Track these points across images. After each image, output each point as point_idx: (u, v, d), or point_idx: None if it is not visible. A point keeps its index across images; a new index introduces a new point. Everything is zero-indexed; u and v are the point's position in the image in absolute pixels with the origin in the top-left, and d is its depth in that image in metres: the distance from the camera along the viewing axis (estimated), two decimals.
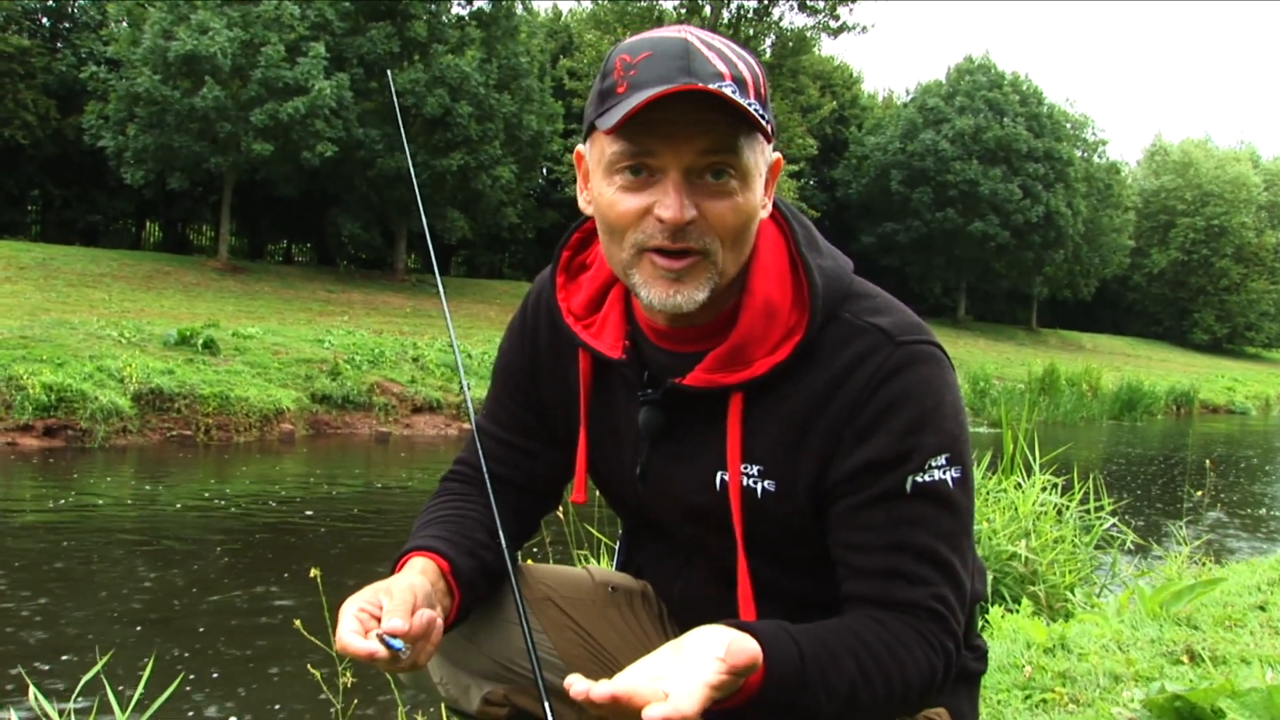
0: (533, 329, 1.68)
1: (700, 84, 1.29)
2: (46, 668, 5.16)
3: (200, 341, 15.57)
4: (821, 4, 35.52)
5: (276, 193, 30.66)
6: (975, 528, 4.56)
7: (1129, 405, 28.18)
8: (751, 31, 36.00)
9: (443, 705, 1.80)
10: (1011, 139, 45.65)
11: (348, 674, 3.10)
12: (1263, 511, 12.10)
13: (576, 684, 1.15)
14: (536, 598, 1.70)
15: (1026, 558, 4.61)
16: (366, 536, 8.86)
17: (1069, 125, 50.37)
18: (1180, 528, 6.20)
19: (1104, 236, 52.25)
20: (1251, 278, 59.37)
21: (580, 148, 1.47)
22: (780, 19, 36.24)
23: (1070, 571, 4.79)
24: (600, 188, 1.40)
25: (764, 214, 1.44)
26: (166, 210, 36.09)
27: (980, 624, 3.66)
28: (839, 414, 1.42)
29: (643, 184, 1.35)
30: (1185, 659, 3.05)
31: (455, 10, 31.97)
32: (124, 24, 28.26)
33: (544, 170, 37.18)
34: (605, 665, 1.64)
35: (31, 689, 2.83)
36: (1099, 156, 53.50)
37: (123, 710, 2.78)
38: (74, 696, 3.03)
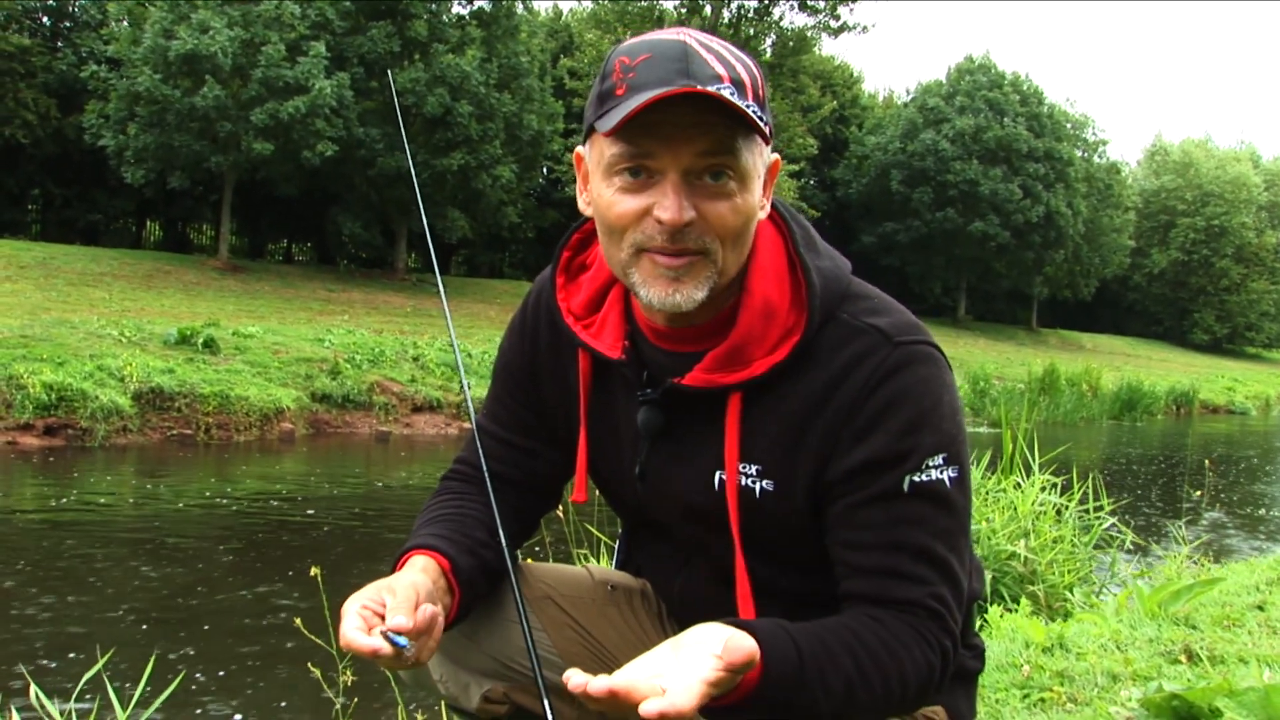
0: (533, 329, 1.69)
1: (698, 86, 1.29)
2: (47, 666, 5.17)
3: (200, 341, 15.57)
4: (822, 4, 35.55)
5: (277, 192, 30.66)
6: (975, 527, 4.58)
7: (1129, 405, 28.18)
8: (752, 31, 36.01)
9: (443, 703, 1.81)
10: (1012, 139, 45.65)
11: (348, 672, 3.11)
12: (1262, 511, 12.10)
13: (574, 678, 1.16)
14: (536, 596, 1.71)
15: (1026, 557, 4.62)
16: (367, 535, 8.87)
17: (1069, 125, 50.38)
18: (1179, 528, 6.22)
19: (1104, 236, 52.26)
20: (1252, 278, 59.37)
21: (580, 149, 1.48)
22: (781, 19, 36.28)
23: (1069, 571, 4.80)
24: (599, 189, 1.40)
25: (763, 215, 1.45)
26: (167, 209, 36.09)
27: (979, 624, 3.68)
28: (837, 414, 1.42)
29: (642, 185, 1.36)
30: (1183, 658, 3.05)
31: (456, 10, 31.99)
32: (124, 23, 28.27)
33: (544, 170, 37.18)
34: (605, 663, 1.64)
35: (32, 687, 2.84)
36: (1099, 156, 53.52)
37: (123, 708, 2.79)
38: (75, 695, 3.04)
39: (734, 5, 35.75)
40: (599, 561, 4.18)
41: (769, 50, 36.61)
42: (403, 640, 1.34)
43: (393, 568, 1.54)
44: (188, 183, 28.13)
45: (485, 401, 1.78)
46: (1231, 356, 56.76)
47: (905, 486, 1.40)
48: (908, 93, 53.48)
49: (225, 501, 9.86)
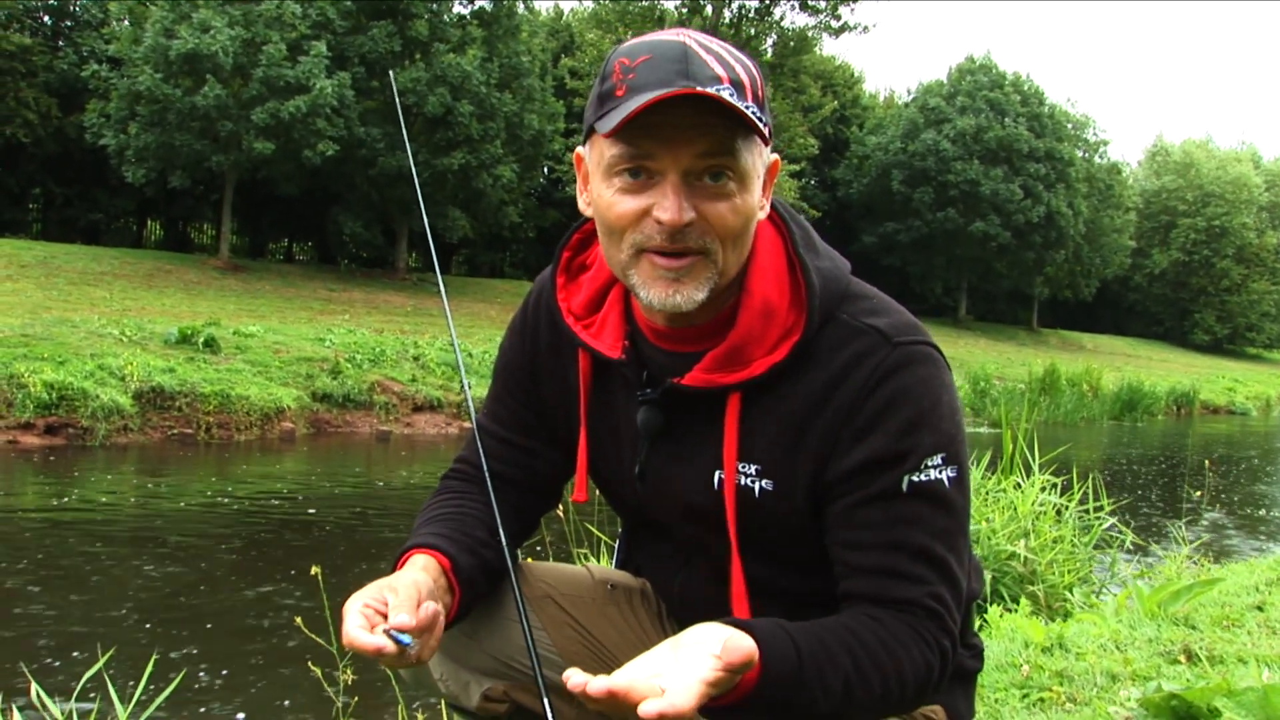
0: (533, 328, 1.69)
1: (698, 88, 1.30)
2: (49, 665, 5.17)
3: (201, 340, 15.58)
4: (823, 4, 35.55)
5: (278, 191, 30.68)
6: (975, 527, 4.58)
7: (1129, 406, 28.18)
8: (753, 31, 36.02)
9: (443, 701, 1.81)
10: (1013, 139, 45.65)
11: (349, 671, 3.12)
12: (1263, 512, 12.10)
13: (574, 677, 1.16)
14: (536, 595, 1.71)
15: (1025, 557, 4.62)
16: (368, 535, 8.87)
17: (1070, 125, 50.39)
18: (1180, 528, 6.22)
19: (1105, 237, 52.26)
20: (1252, 278, 59.38)
21: (580, 150, 1.49)
22: (782, 19, 36.29)
23: (1069, 571, 4.80)
24: (599, 189, 1.41)
25: (762, 215, 1.46)
26: (168, 209, 36.11)
27: (979, 624, 3.68)
28: (836, 414, 1.43)
29: (641, 186, 1.37)
30: (1182, 658, 3.05)
31: (457, 9, 32.01)
32: (125, 22, 28.29)
33: (545, 169, 37.19)
34: (604, 662, 1.65)
35: (34, 686, 2.84)
36: (1100, 157, 53.51)
37: (124, 707, 2.79)
38: (76, 694, 3.04)
39: (735, 5, 35.76)
40: (599, 561, 4.18)
41: (770, 50, 36.61)
42: (406, 638, 1.34)
43: (393, 566, 1.55)
44: (189, 182, 28.15)
45: (486, 401, 1.78)
46: (1232, 357, 56.75)
47: (904, 486, 1.40)
48: (909, 93, 53.55)
49: (226, 501, 9.86)
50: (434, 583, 1.49)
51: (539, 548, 4.41)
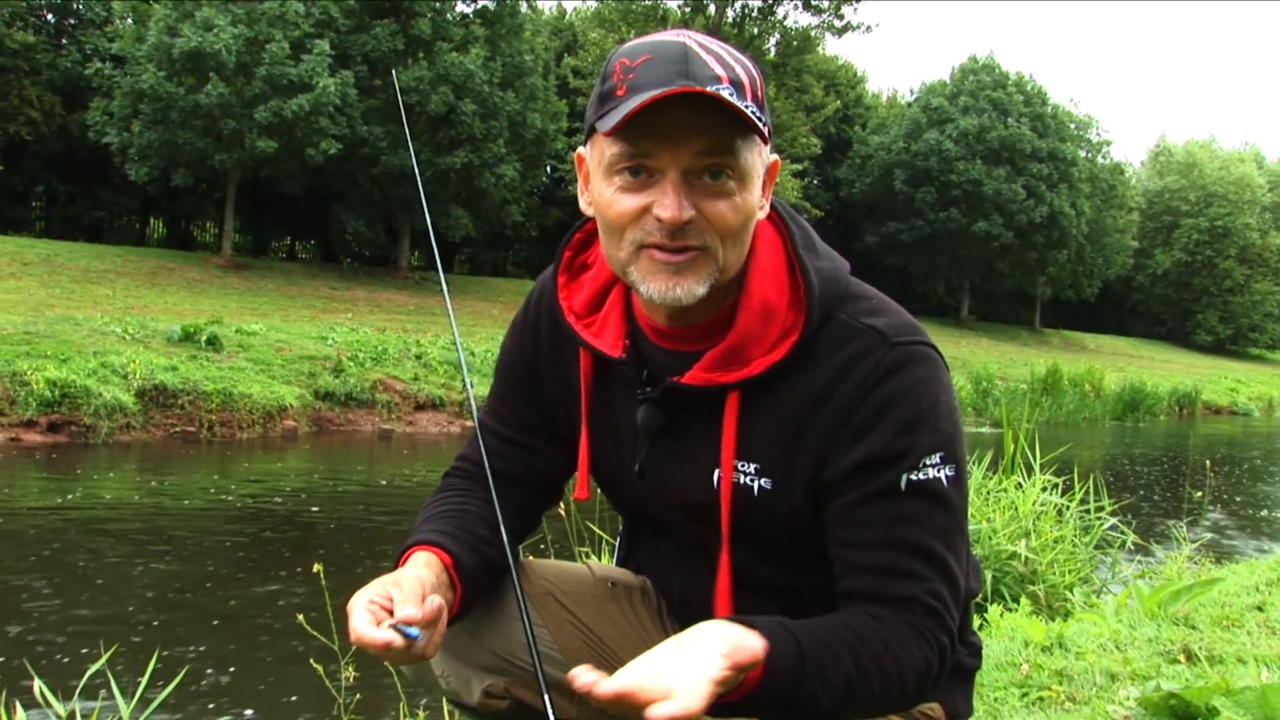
0: (535, 327, 1.70)
1: (697, 86, 1.31)
2: (52, 662, 5.19)
3: (204, 338, 15.60)
4: (826, 3, 35.52)
5: (280, 189, 30.68)
6: (976, 527, 4.59)
7: (1132, 406, 28.17)
8: (756, 30, 36.00)
9: (444, 698, 1.82)
10: (1015, 139, 45.60)
11: (350, 668, 3.13)
12: (1264, 512, 12.10)
13: (583, 675, 1.17)
14: (537, 592, 1.72)
15: (1026, 557, 4.63)
16: (370, 533, 8.88)
17: (1073, 125, 50.35)
18: (1181, 528, 6.22)
19: (1107, 237, 52.21)
20: (1255, 279, 59.31)
21: (581, 150, 1.50)
22: (785, 18, 36.28)
23: (1070, 571, 4.81)
24: (600, 188, 1.42)
25: (762, 215, 1.46)
26: (171, 207, 36.14)
27: (979, 623, 3.69)
28: (835, 413, 1.44)
29: (642, 185, 1.38)
30: (1182, 658, 3.06)
31: (460, 8, 31.98)
32: (129, 21, 28.31)
33: (548, 168, 37.18)
34: (605, 659, 1.66)
35: (36, 682, 2.85)
36: (1103, 157, 53.45)
37: (127, 704, 2.80)
38: (79, 690, 3.05)
39: (738, 4, 35.75)
40: (600, 559, 4.19)
41: (773, 49, 36.59)
42: (414, 630, 1.35)
43: (395, 564, 1.56)
44: (191, 180, 28.17)
45: (488, 399, 1.79)
46: (1234, 358, 56.69)
47: (903, 485, 1.41)
48: (911, 92, 53.49)
49: (228, 499, 9.88)
50: (436, 579, 1.50)
51: (542, 545, 4.42)
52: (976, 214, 45.28)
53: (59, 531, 8.13)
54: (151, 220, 39.14)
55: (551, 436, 1.72)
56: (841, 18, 35.86)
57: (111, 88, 26.99)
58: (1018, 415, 6.47)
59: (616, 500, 1.73)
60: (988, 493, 5.10)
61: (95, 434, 12.40)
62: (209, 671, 5.20)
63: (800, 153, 37.73)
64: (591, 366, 1.61)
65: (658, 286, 1.39)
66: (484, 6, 31.93)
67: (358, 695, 3.64)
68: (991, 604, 4.09)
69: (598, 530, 4.46)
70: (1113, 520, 5.49)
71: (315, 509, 9.59)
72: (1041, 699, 2.80)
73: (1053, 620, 3.97)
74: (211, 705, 4.81)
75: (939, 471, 1.42)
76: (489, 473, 1.66)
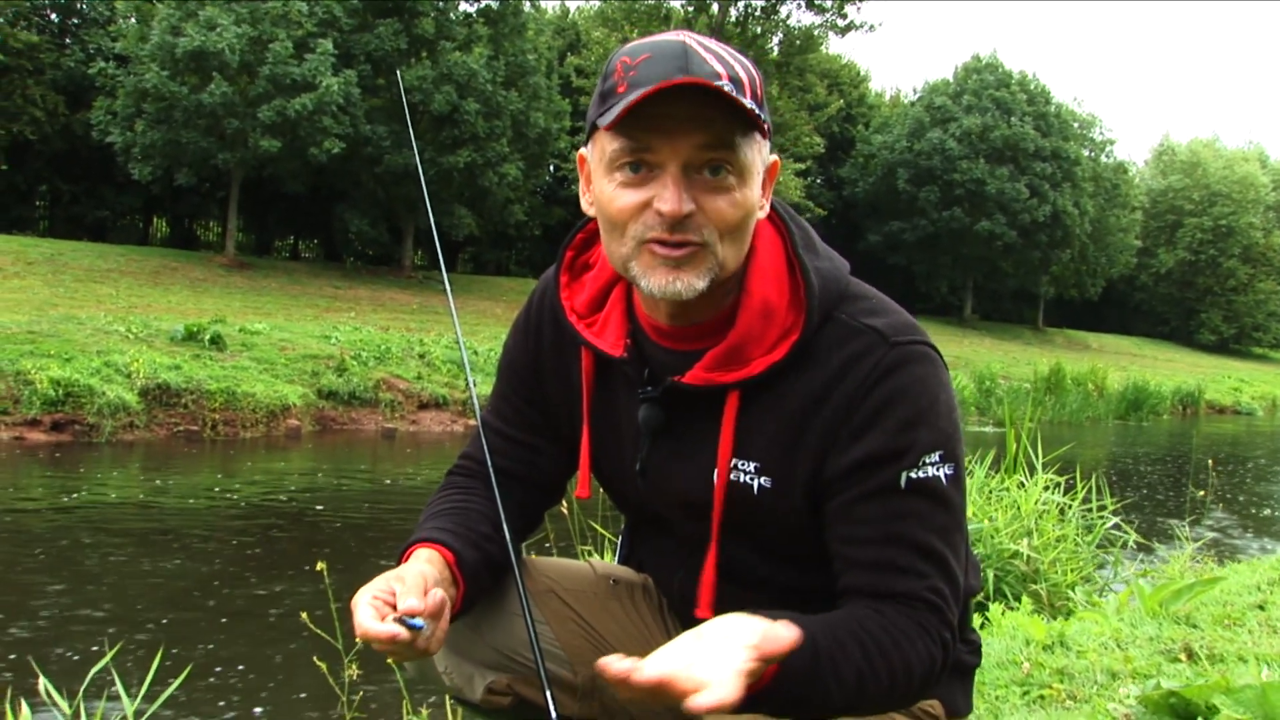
0: (537, 327, 1.71)
1: (697, 78, 1.32)
2: (56, 659, 5.20)
3: (207, 337, 15.62)
4: (829, 2, 35.47)
5: (284, 189, 30.71)
6: (978, 526, 4.58)
7: (1135, 405, 28.15)
8: (759, 29, 35.97)
9: (447, 696, 1.83)
10: (1019, 138, 45.57)
11: (354, 666, 3.14)
12: (1268, 512, 12.10)
13: (617, 663, 1.17)
14: (539, 589, 1.73)
15: (1028, 556, 4.63)
16: (373, 531, 8.90)
17: (1076, 125, 50.27)
18: (1183, 528, 6.22)
19: (1111, 236, 52.15)
20: (1259, 278, 59.23)
21: (583, 150, 1.51)
22: (788, 17, 36.23)
23: (1072, 570, 4.81)
24: (601, 185, 1.43)
25: (761, 214, 1.47)
26: (174, 206, 36.20)
27: (980, 621, 3.70)
28: (835, 412, 1.44)
29: (642, 180, 1.39)
30: (1183, 657, 3.07)
31: (463, 7, 31.99)
32: (132, 20, 28.37)
33: (551, 167, 37.20)
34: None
35: (41, 679, 2.86)
36: (1106, 156, 53.38)
37: (131, 701, 2.82)
38: (84, 688, 3.06)
39: (741, 3, 35.71)
40: (602, 558, 4.20)
41: (776, 49, 36.56)
42: (418, 621, 1.36)
43: (398, 561, 1.57)
44: (195, 179, 28.21)
45: (490, 398, 1.80)
46: (1238, 357, 56.62)
47: (902, 483, 1.42)
48: (915, 92, 53.45)
49: (232, 497, 9.90)
50: (438, 575, 1.51)
51: (547, 544, 4.43)
52: (980, 213, 45.25)
53: (63, 530, 8.15)
54: (155, 219, 39.19)
55: (554, 435, 1.73)
56: (844, 17, 35.82)
57: (115, 87, 27.03)
58: (1020, 414, 6.47)
59: (618, 499, 1.74)
60: (990, 492, 5.10)
61: (99, 433, 12.42)
62: (213, 670, 5.22)
63: (803, 152, 37.71)
64: (593, 366, 1.62)
65: (658, 280, 1.40)
66: (487, 6, 31.94)
67: (361, 693, 3.65)
68: (993, 603, 4.09)
69: (600, 529, 4.46)
70: (1115, 519, 5.49)
71: (319, 508, 9.61)
72: (1042, 697, 2.81)
73: (1054, 619, 3.98)
74: (216, 703, 4.83)
75: (938, 470, 1.43)
76: (492, 471, 1.67)
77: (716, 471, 1.51)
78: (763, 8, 35.84)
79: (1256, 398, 36.69)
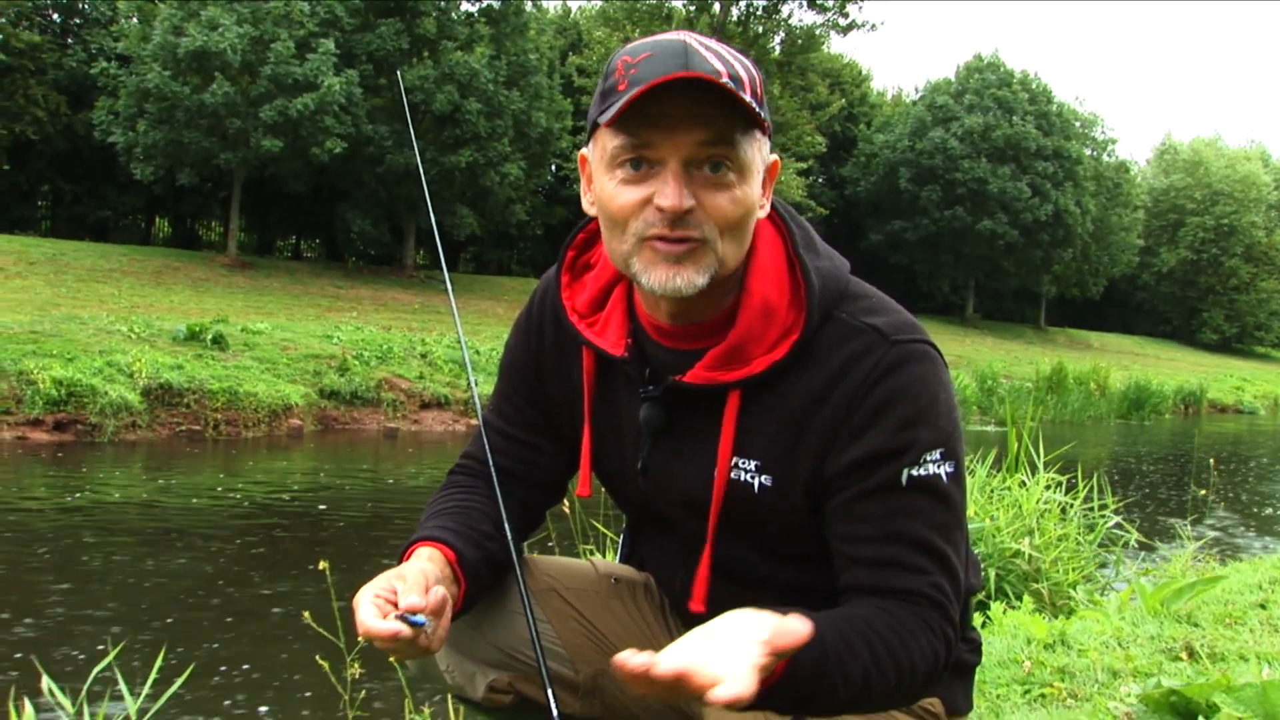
0: (538, 326, 1.71)
1: (698, 73, 1.32)
2: (59, 658, 5.21)
3: (209, 337, 15.63)
4: (830, 2, 35.47)
5: (286, 189, 30.74)
6: (979, 525, 4.58)
7: (1137, 404, 28.13)
8: (761, 29, 35.98)
9: (449, 694, 1.83)
10: (1020, 137, 45.54)
11: (356, 665, 3.14)
12: (1269, 511, 12.09)
13: (634, 658, 1.15)
14: (541, 588, 1.74)
15: (1030, 555, 4.63)
16: (375, 530, 8.91)
17: (1078, 124, 50.22)
18: (1185, 527, 6.22)
19: (1113, 235, 52.09)
20: (1261, 277, 59.18)
21: (584, 150, 1.51)
22: (789, 16, 36.25)
23: (1073, 569, 4.81)
24: (602, 183, 1.43)
25: (762, 213, 1.48)
26: (176, 206, 36.23)
27: (981, 620, 3.70)
28: (836, 411, 1.45)
29: (643, 176, 1.39)
30: (1184, 655, 3.07)
31: (465, 7, 32.00)
32: (134, 20, 28.40)
33: (553, 167, 37.20)
34: (608, 655, 1.66)
35: (45, 678, 2.87)
36: (1108, 155, 53.33)
37: (134, 700, 2.82)
38: (87, 687, 3.07)
39: (743, 3, 35.71)
40: (605, 557, 4.21)
41: (777, 48, 36.57)
42: (420, 618, 1.37)
43: (399, 560, 1.57)
44: (197, 179, 28.24)
45: (492, 398, 1.80)
46: (1240, 356, 56.58)
47: (903, 480, 1.42)
48: (916, 91, 53.41)
49: (234, 497, 9.91)
50: (440, 573, 1.51)
51: (549, 543, 4.44)
52: (981, 212, 45.21)
53: (66, 530, 8.16)
54: (157, 219, 39.24)
55: (555, 435, 1.73)
56: (846, 16, 35.83)
57: (117, 87, 27.04)
58: (1022, 413, 6.48)
59: (619, 498, 1.74)
60: (992, 491, 5.10)
61: (101, 433, 12.44)
62: (216, 669, 5.22)
63: (805, 151, 37.69)
64: (594, 365, 1.62)
65: (658, 277, 1.40)
66: (489, 5, 31.95)
67: (364, 691, 3.65)
68: (994, 602, 4.10)
69: (601, 528, 4.47)
70: (1117, 518, 5.49)
71: (321, 507, 9.62)
72: (1043, 696, 2.81)
73: (1056, 618, 3.98)
74: (219, 702, 4.83)
75: (939, 468, 1.43)
76: (493, 470, 1.67)
77: (717, 470, 1.51)
78: (764, 7, 35.85)
79: (1258, 397, 36.67)
